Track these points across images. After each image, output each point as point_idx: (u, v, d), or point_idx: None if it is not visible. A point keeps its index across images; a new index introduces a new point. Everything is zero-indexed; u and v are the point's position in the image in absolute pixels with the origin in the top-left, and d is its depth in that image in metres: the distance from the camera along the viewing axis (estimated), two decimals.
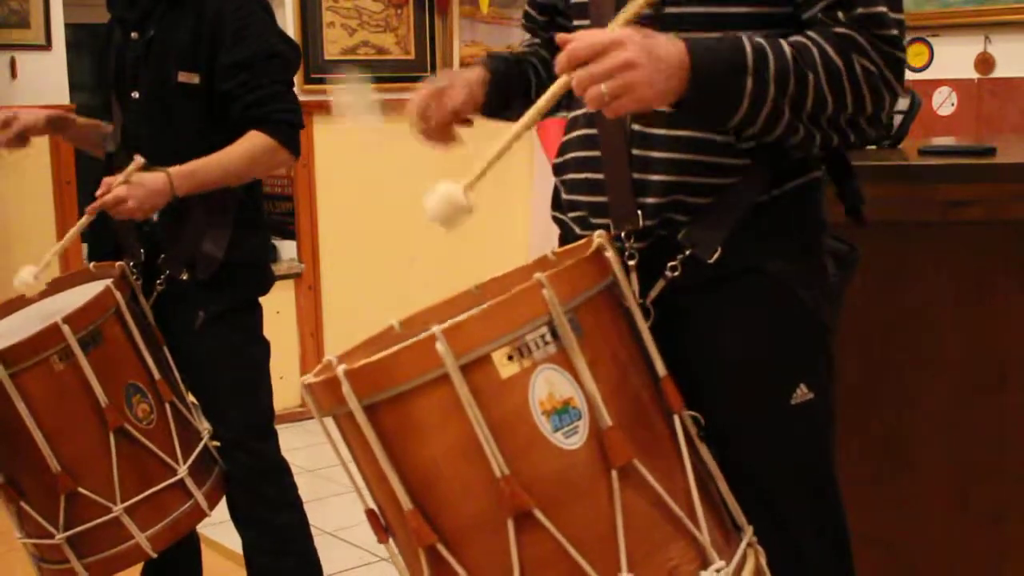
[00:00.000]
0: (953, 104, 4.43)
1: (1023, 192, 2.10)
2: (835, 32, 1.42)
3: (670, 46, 1.33)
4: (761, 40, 1.40)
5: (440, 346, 1.21)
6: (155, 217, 2.40)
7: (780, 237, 1.53)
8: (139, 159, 2.30)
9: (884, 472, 2.22)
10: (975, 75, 4.37)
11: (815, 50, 1.41)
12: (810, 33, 1.43)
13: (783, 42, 1.41)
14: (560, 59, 1.31)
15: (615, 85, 1.28)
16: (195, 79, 2.39)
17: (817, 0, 1.44)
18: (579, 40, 1.30)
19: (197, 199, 2.38)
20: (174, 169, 2.31)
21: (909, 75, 4.41)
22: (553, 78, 1.52)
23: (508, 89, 1.73)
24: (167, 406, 2.29)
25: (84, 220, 2.34)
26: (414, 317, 1.51)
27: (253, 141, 2.38)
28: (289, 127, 2.43)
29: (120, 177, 2.27)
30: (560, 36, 1.34)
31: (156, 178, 2.28)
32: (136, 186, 2.26)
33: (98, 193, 2.28)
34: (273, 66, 2.42)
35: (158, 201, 2.30)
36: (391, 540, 1.36)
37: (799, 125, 1.42)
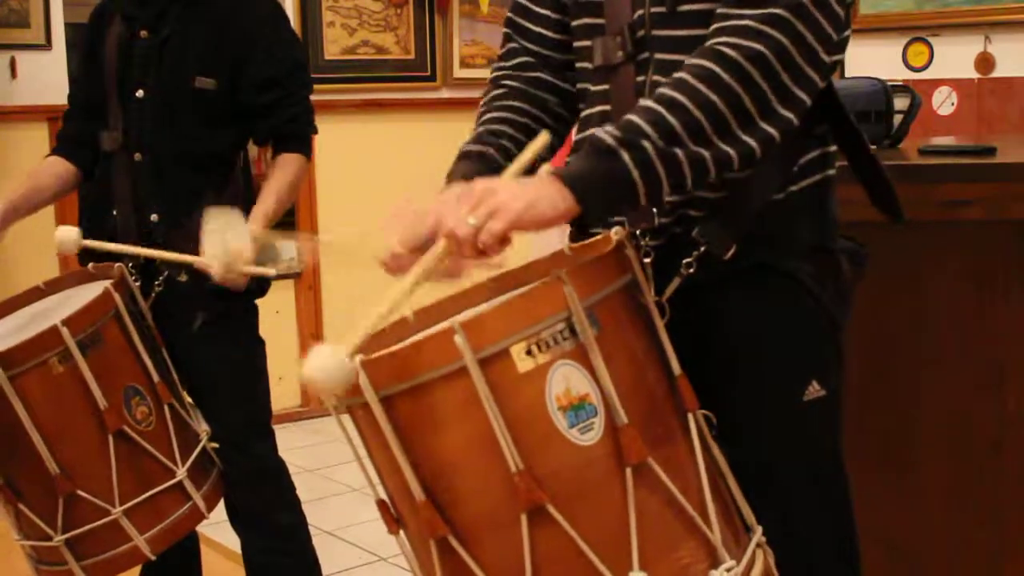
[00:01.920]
0: (953, 104, 4.43)
1: (1023, 192, 2.10)
2: (719, 27, 1.35)
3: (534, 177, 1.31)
4: (628, 118, 1.32)
5: (459, 339, 1.20)
6: (154, 218, 2.40)
7: (795, 234, 1.53)
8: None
9: (884, 472, 2.21)
10: (975, 75, 4.37)
11: (684, 71, 1.34)
12: (688, 61, 1.36)
13: (658, 94, 1.33)
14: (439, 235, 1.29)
15: (481, 212, 1.26)
16: (210, 84, 2.39)
17: None
18: (443, 213, 1.28)
19: (197, 200, 2.37)
20: (256, 226, 2.34)
21: (909, 75, 4.43)
22: (530, 129, 1.57)
23: None
24: (166, 408, 2.29)
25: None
26: (429, 308, 1.51)
27: (293, 166, 2.47)
28: (311, 139, 2.53)
29: (250, 270, 2.28)
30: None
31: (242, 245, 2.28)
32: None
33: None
34: (301, 78, 2.49)
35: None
36: (401, 532, 1.35)
37: (713, 153, 1.33)
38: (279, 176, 2.45)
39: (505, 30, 1.69)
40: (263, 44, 2.40)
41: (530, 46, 1.65)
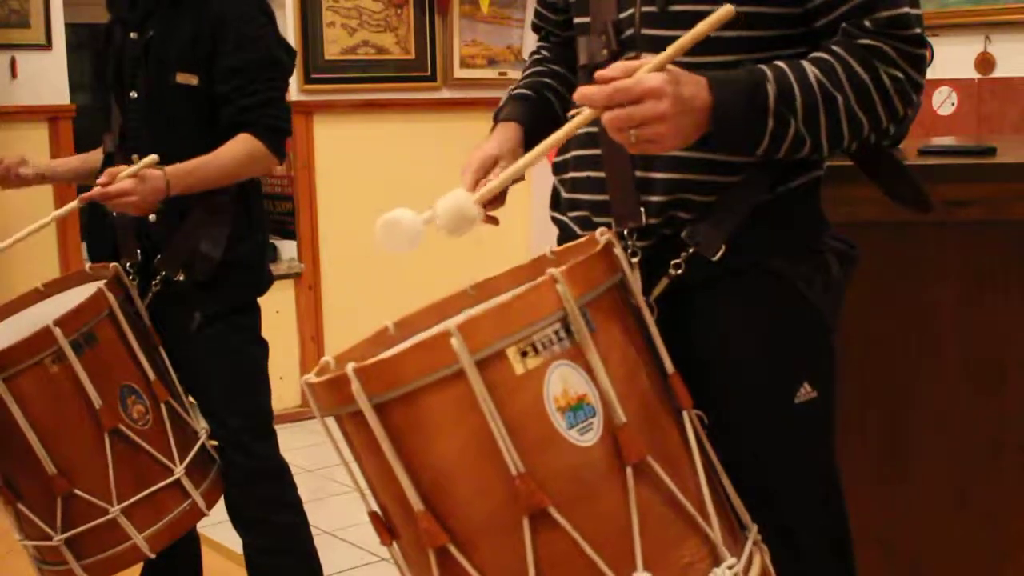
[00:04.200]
0: (953, 104, 4.43)
1: (1023, 192, 2.10)
2: (859, 44, 1.43)
3: (697, 91, 1.35)
4: (787, 72, 1.40)
5: (455, 342, 1.19)
6: (152, 217, 2.40)
7: (783, 234, 1.53)
8: (153, 156, 2.30)
9: (884, 472, 2.21)
10: (975, 75, 4.37)
11: (840, 68, 1.42)
12: (834, 48, 1.43)
13: (808, 68, 1.41)
14: (592, 94, 1.33)
15: (645, 134, 1.33)
16: (193, 81, 2.39)
17: (835, 7, 1.44)
18: (617, 84, 1.32)
19: (196, 199, 2.38)
20: (170, 168, 2.31)
21: None
22: (570, 88, 1.57)
23: (541, 131, 1.72)
24: (163, 406, 2.29)
25: (75, 205, 2.33)
26: (409, 318, 1.50)
27: (244, 144, 2.39)
28: (277, 133, 2.44)
29: (130, 170, 2.27)
30: (598, 74, 1.35)
31: (156, 175, 2.28)
32: (140, 180, 2.27)
33: (101, 181, 2.27)
34: (270, 72, 2.43)
35: (157, 199, 2.30)
36: (394, 543, 1.35)
37: (824, 145, 1.44)
38: (221, 149, 2.37)
39: (533, 20, 1.84)
40: (233, 37, 2.38)
41: (552, 29, 1.80)
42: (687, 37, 1.34)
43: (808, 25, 1.48)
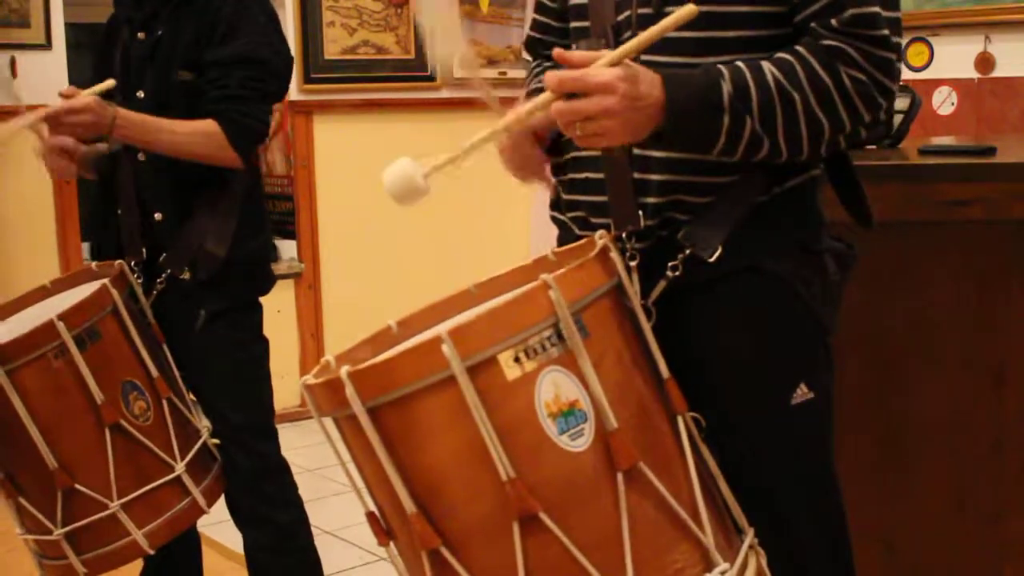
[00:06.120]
0: (953, 104, 4.43)
1: (1023, 192, 2.10)
2: (822, 45, 1.42)
3: (651, 89, 1.35)
4: (744, 71, 1.40)
5: (446, 348, 1.20)
6: (158, 216, 2.40)
7: (780, 235, 1.53)
8: (111, 81, 2.31)
9: (884, 472, 2.22)
10: (975, 75, 4.37)
11: (800, 68, 1.41)
12: (797, 48, 1.43)
13: (767, 67, 1.41)
14: (551, 79, 1.34)
15: (591, 128, 1.34)
16: (188, 76, 2.39)
17: (809, 3, 1.44)
18: (572, 72, 1.33)
19: (200, 199, 2.39)
20: (122, 110, 2.30)
21: (909, 75, 4.43)
22: None
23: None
24: (165, 403, 2.29)
25: (35, 117, 2.28)
26: (411, 317, 1.50)
27: (204, 125, 2.35)
28: (240, 127, 2.37)
29: (91, 90, 2.28)
30: (557, 53, 1.36)
31: (105, 108, 2.27)
32: (100, 104, 2.26)
33: (64, 92, 2.26)
34: (248, 69, 2.37)
35: (100, 131, 2.28)
36: (392, 543, 1.35)
37: (783, 147, 1.43)
38: (183, 120, 2.34)
39: (526, 40, 1.80)
40: (223, 29, 2.38)
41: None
42: (647, 34, 1.34)
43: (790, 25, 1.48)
